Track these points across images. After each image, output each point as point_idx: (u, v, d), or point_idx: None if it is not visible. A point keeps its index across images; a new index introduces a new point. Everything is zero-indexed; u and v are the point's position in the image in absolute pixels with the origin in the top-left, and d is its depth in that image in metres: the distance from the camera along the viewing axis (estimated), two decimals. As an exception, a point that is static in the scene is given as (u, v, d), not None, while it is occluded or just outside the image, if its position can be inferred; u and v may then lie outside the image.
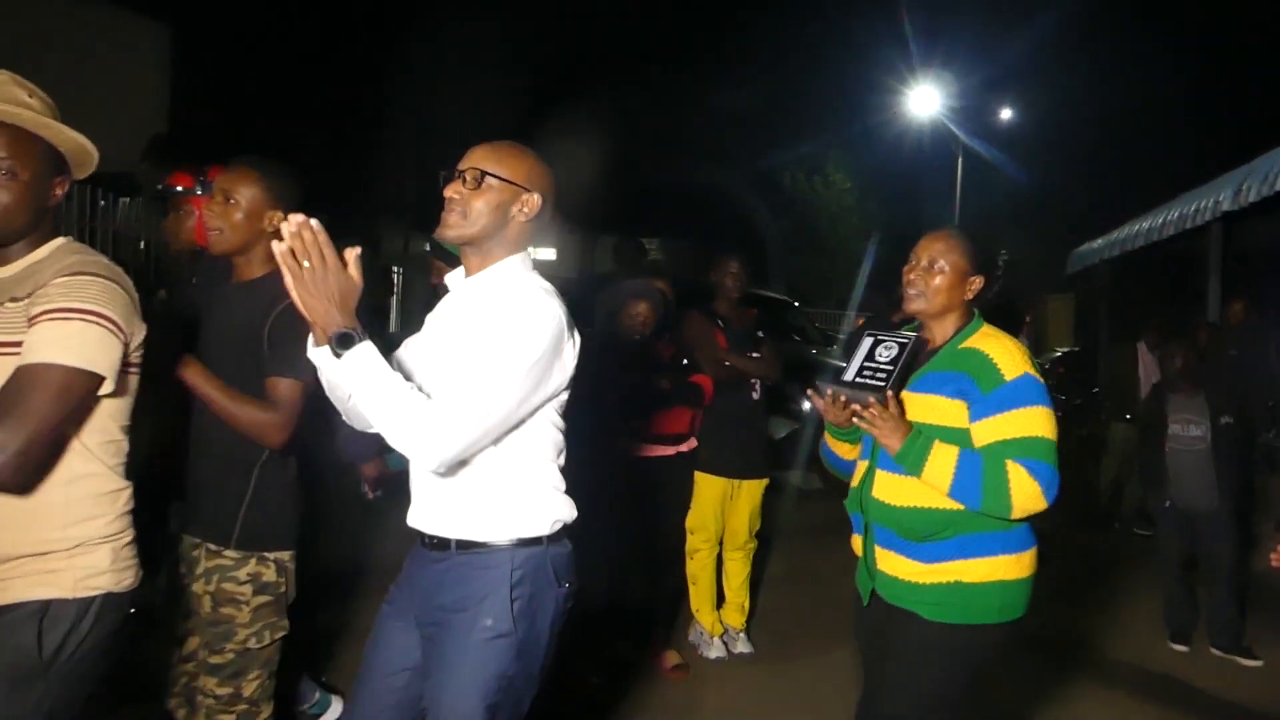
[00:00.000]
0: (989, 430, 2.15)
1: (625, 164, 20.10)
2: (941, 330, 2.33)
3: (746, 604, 4.36)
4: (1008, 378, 2.15)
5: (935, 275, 2.28)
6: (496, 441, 1.84)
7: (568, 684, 3.66)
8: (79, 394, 1.65)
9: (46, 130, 1.75)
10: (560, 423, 1.96)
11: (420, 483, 1.95)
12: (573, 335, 1.90)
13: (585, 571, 3.59)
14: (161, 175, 3.13)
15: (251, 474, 2.35)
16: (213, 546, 2.35)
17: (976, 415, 2.17)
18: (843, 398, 2.23)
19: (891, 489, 2.24)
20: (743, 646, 4.28)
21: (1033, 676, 4.09)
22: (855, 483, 2.37)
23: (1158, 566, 4.97)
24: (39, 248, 1.78)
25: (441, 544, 1.90)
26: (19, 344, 1.64)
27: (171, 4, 12.16)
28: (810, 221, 21.65)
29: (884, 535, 2.28)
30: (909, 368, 2.22)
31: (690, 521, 4.16)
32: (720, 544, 4.26)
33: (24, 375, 1.61)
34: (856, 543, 2.40)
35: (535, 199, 1.91)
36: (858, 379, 2.23)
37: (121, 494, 1.81)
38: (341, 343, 1.68)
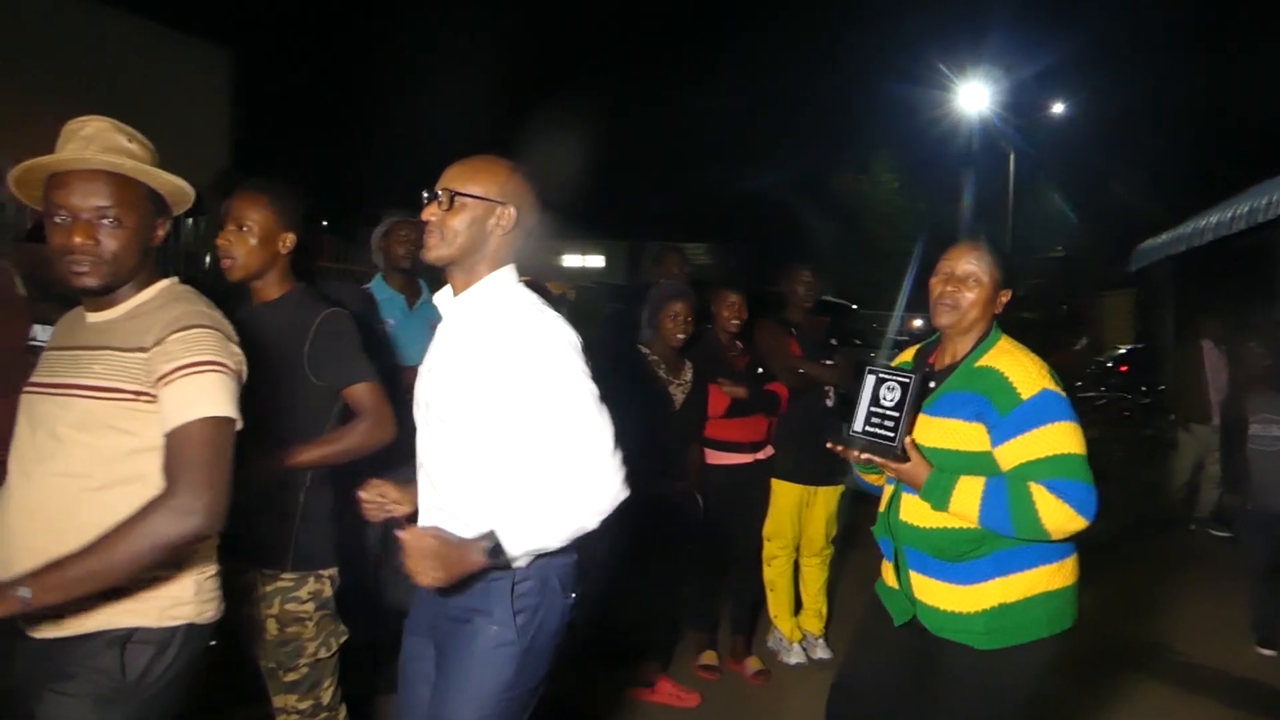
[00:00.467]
0: (1013, 453, 2.08)
1: (674, 170, 20.16)
2: (962, 344, 2.26)
3: (824, 610, 4.38)
4: (1025, 396, 2.08)
5: (970, 289, 2.20)
6: (500, 453, 1.86)
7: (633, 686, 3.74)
8: (230, 440, 1.72)
9: (146, 176, 1.80)
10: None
11: (426, 493, 1.97)
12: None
13: (664, 580, 3.68)
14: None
15: (299, 497, 2.41)
16: (268, 571, 2.39)
17: (998, 439, 2.10)
18: (854, 452, 2.22)
19: (919, 511, 2.19)
20: (822, 652, 4.30)
21: (1113, 684, 4.05)
22: (881, 507, 2.32)
23: (1243, 570, 4.89)
24: (145, 289, 1.84)
25: None
26: (135, 392, 1.71)
27: (234, 30, 12.52)
28: (859, 223, 21.52)
29: (917, 559, 2.22)
30: (915, 409, 2.15)
31: (767, 528, 4.20)
32: (797, 550, 4.29)
33: (184, 436, 1.68)
34: (887, 570, 2.35)
35: (510, 212, 1.91)
36: (867, 428, 2.19)
37: None
38: (495, 555, 1.77)
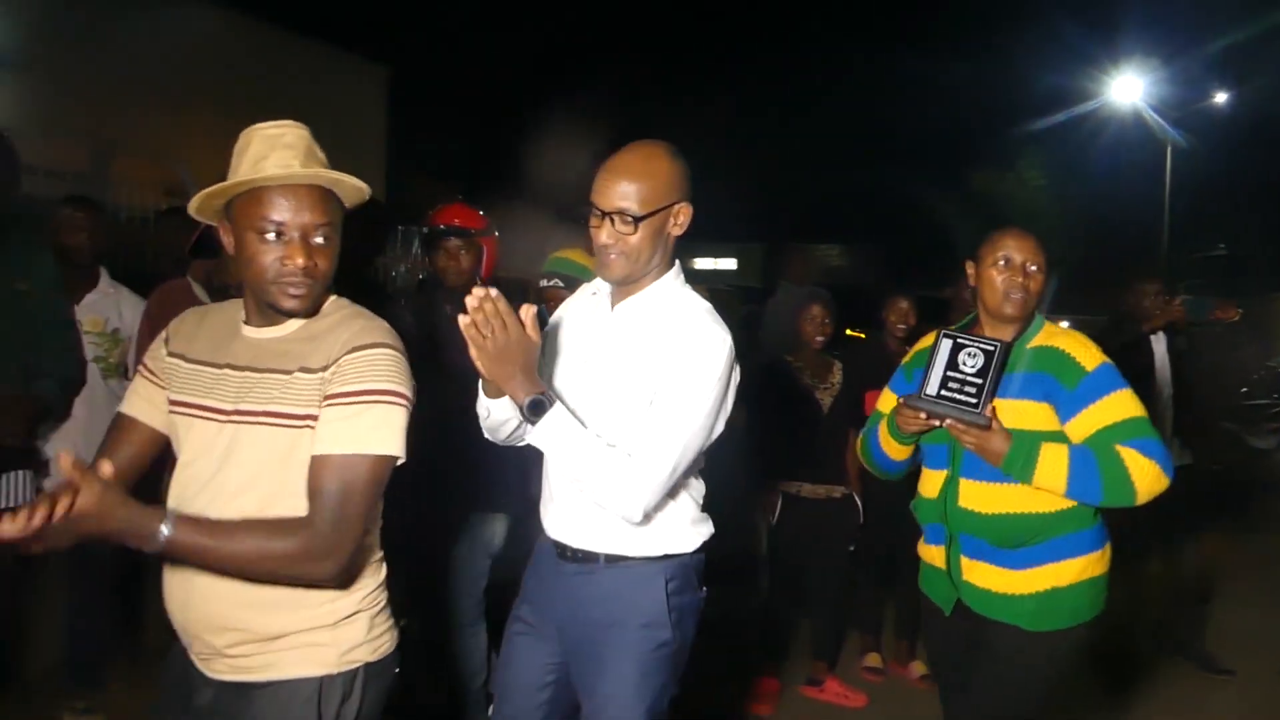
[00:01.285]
0: (1088, 422, 2.11)
1: (807, 170, 19.98)
2: (1005, 330, 2.24)
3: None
4: (1089, 369, 2.13)
5: (1033, 278, 2.21)
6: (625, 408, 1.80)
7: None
8: (385, 479, 1.61)
9: (341, 187, 1.68)
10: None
11: (564, 495, 1.89)
12: (736, 360, 1.86)
13: (828, 583, 3.75)
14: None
15: None
16: None
17: (1068, 413, 2.13)
18: (922, 415, 2.16)
19: (981, 497, 2.18)
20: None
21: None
22: (933, 493, 2.30)
23: None
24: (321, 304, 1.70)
25: (587, 557, 1.86)
26: (305, 417, 1.58)
27: (390, 48, 13.23)
28: (1003, 222, 20.82)
29: (973, 545, 2.22)
30: (999, 377, 2.11)
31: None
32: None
33: (336, 469, 1.55)
34: (933, 554, 2.33)
35: (686, 209, 1.84)
36: (943, 393, 2.12)
37: (381, 562, 1.75)
38: (534, 409, 1.68)
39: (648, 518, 1.78)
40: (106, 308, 3.24)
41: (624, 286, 1.87)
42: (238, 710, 1.62)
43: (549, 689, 1.91)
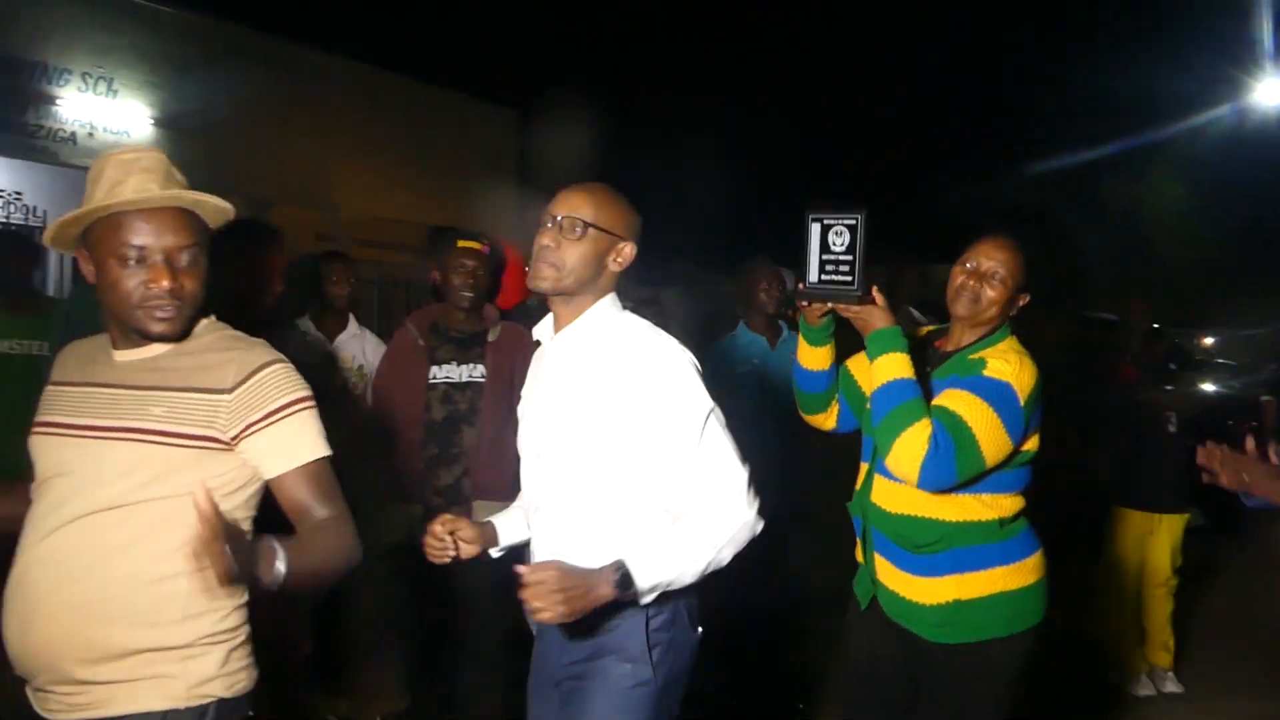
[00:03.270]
0: (938, 396, 2.09)
1: (923, 185, 19.59)
2: (968, 336, 2.23)
3: (1171, 643, 4.23)
4: (983, 373, 2.08)
5: (993, 287, 2.17)
6: (618, 488, 1.78)
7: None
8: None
9: (202, 207, 1.66)
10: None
11: (543, 532, 1.89)
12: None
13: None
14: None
15: None
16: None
17: (941, 389, 2.11)
18: (812, 306, 2.17)
19: (888, 495, 2.18)
20: (1171, 686, 4.16)
21: None
22: (858, 485, 2.31)
23: None
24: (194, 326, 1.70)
25: None
26: (203, 437, 1.59)
27: (516, 92, 13.71)
28: (1138, 234, 20.01)
29: (881, 542, 2.22)
30: (867, 248, 2.05)
31: (1108, 557, 4.14)
32: (1142, 580, 4.19)
33: (314, 476, 1.64)
34: (858, 547, 2.34)
35: (630, 249, 1.86)
36: (823, 278, 2.09)
37: (243, 598, 1.68)
38: (624, 585, 1.64)
39: (609, 524, 1.77)
40: (354, 347, 3.67)
41: (559, 311, 1.88)
42: None
43: None
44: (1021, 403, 2.05)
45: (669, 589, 1.71)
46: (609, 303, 1.87)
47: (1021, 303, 2.23)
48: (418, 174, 12.18)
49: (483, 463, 2.95)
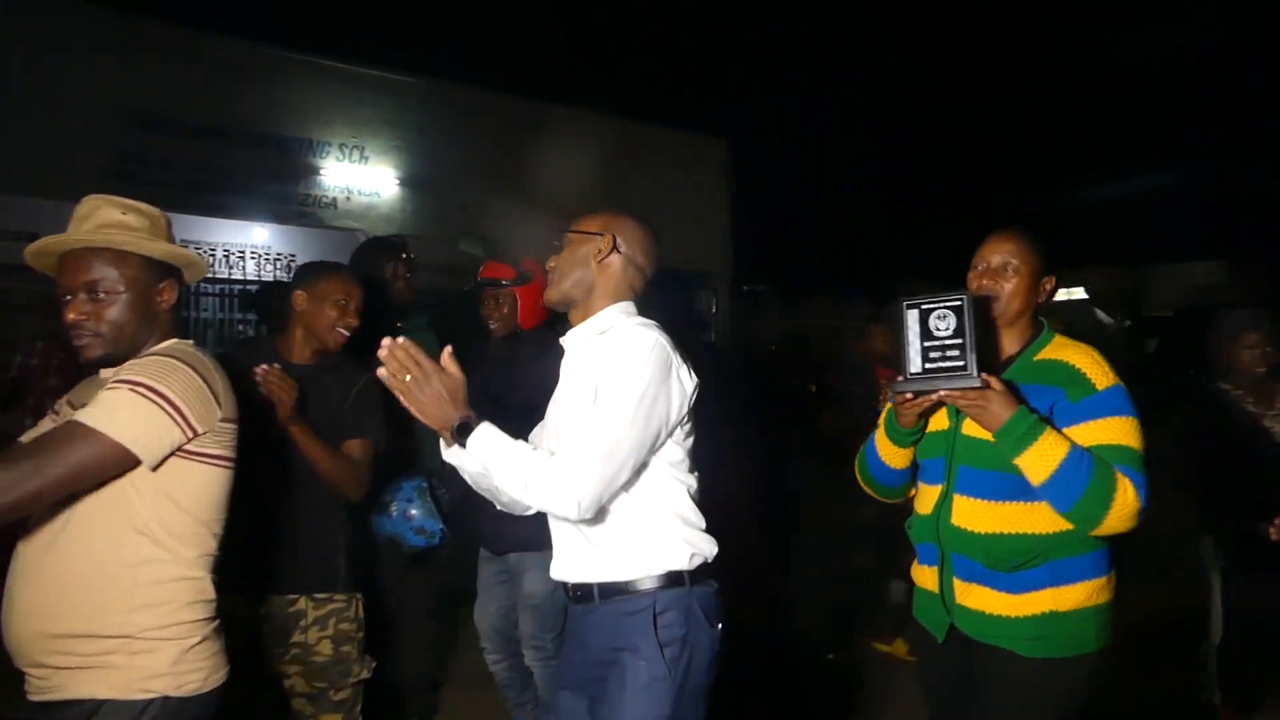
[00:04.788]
0: (1082, 435, 1.95)
1: (1170, 176, 18.00)
2: (1009, 340, 2.13)
3: None
4: (1099, 388, 1.99)
5: (1009, 278, 2.10)
6: (626, 481, 1.82)
7: None
8: (107, 465, 1.63)
9: (133, 247, 1.78)
10: (686, 458, 1.92)
11: (559, 535, 1.97)
12: (683, 364, 1.87)
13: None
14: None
15: (344, 524, 2.67)
16: (320, 595, 2.60)
17: (1066, 423, 1.98)
18: (908, 397, 1.99)
19: (974, 515, 2.04)
20: None
21: None
22: (926, 510, 2.15)
23: None
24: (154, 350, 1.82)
25: (585, 593, 1.90)
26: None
27: (727, 121, 13.99)
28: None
29: (965, 566, 2.07)
30: (980, 333, 1.91)
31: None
32: None
33: (61, 429, 1.62)
34: (926, 576, 2.18)
35: (608, 240, 1.96)
36: (928, 366, 1.92)
37: (193, 585, 1.73)
38: (461, 432, 1.74)
39: (631, 532, 1.84)
40: None
41: (574, 316, 2.00)
42: None
43: None
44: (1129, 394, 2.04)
45: (478, 469, 1.79)
46: (617, 309, 1.97)
47: (1049, 286, 2.14)
48: (630, 211, 12.62)
49: None
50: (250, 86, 9.84)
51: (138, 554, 1.66)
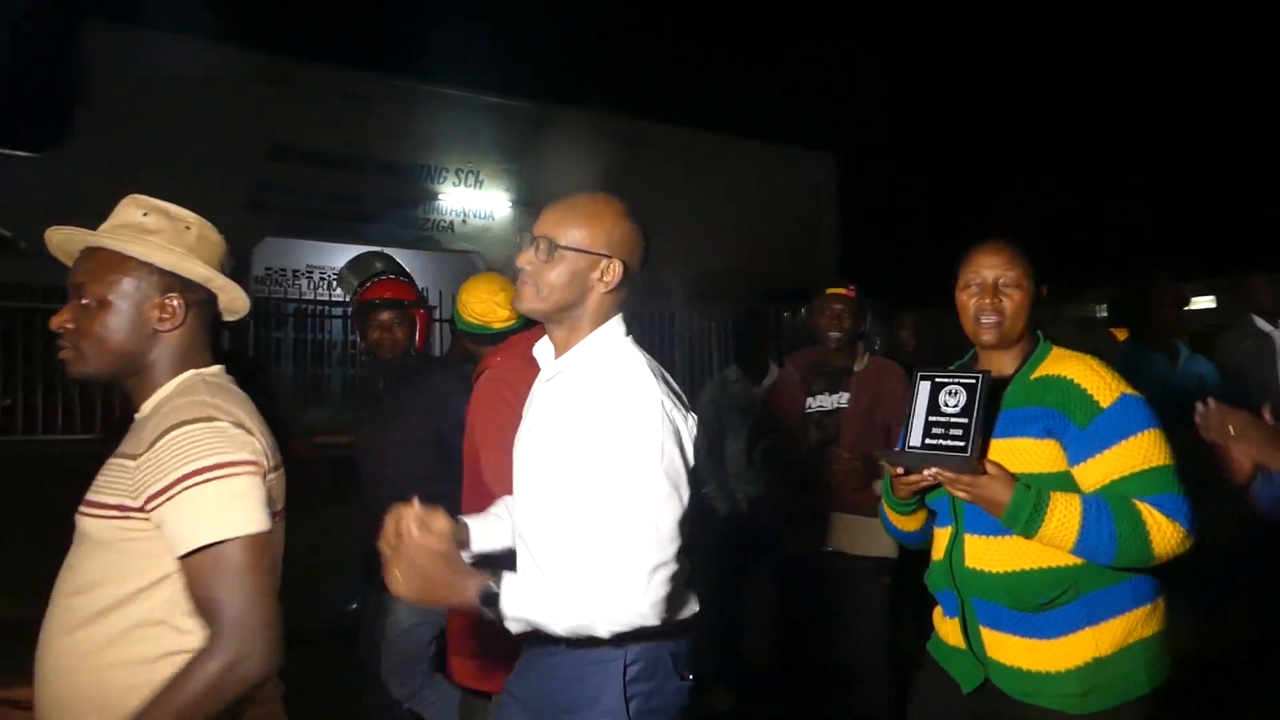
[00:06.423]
0: (1101, 470, 1.78)
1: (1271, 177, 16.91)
2: (1008, 359, 1.94)
3: None
4: (1104, 404, 1.79)
5: (1009, 295, 1.91)
6: (559, 517, 1.64)
7: None
8: (262, 552, 1.41)
9: (124, 248, 1.52)
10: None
11: (524, 562, 1.80)
12: (682, 413, 1.65)
13: None
14: None
15: None
16: None
17: (1079, 455, 1.80)
18: (899, 471, 1.86)
19: (989, 553, 1.85)
20: None
21: None
22: (939, 555, 1.96)
23: None
24: (170, 381, 1.54)
25: (549, 635, 1.65)
26: (120, 507, 1.41)
27: (835, 136, 13.90)
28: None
29: (989, 612, 1.87)
30: (985, 412, 1.78)
31: None
32: None
33: (204, 567, 1.38)
34: (949, 629, 1.95)
35: (616, 266, 1.67)
36: (927, 441, 1.81)
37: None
38: (489, 602, 1.52)
39: (582, 567, 1.57)
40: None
41: (553, 333, 1.75)
42: None
43: None
44: (1143, 397, 1.85)
45: (535, 627, 1.57)
46: (606, 334, 1.71)
47: (1043, 295, 1.96)
48: (742, 227, 12.63)
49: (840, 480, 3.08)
50: (372, 116, 10.26)
51: (160, 647, 1.44)
